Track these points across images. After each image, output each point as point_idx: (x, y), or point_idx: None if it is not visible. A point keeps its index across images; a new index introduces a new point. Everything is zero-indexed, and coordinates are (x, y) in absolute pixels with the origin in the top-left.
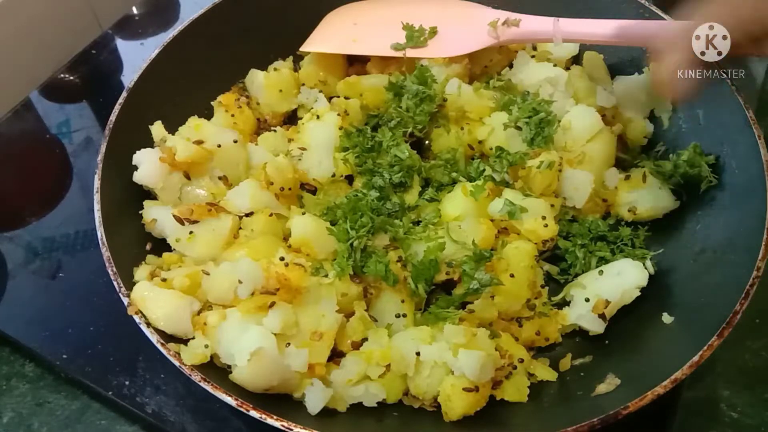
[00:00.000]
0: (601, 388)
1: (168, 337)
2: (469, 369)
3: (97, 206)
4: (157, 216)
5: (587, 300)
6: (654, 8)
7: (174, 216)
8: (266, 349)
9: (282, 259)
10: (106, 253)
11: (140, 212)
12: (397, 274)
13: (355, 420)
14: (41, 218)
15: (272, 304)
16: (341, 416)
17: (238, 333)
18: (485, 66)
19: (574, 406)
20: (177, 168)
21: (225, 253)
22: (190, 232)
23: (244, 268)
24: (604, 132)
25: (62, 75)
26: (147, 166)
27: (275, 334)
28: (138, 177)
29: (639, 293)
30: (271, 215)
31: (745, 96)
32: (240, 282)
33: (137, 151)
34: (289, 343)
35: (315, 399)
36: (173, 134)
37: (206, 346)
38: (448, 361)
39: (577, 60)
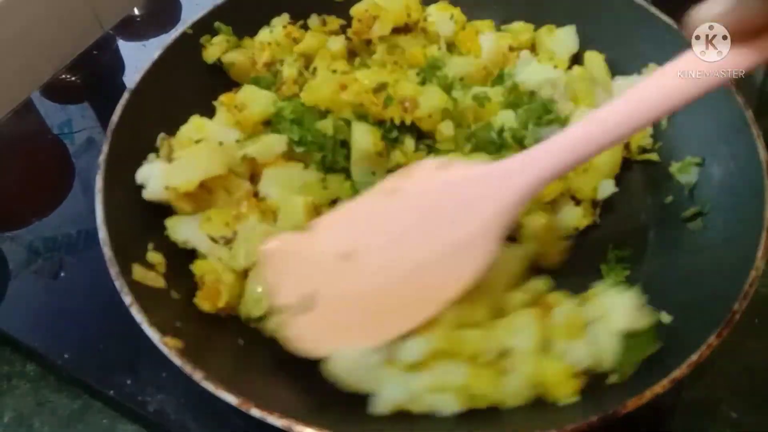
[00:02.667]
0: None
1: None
2: None
3: (98, 206)
4: (187, 234)
5: None
6: (653, 9)
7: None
8: None
9: None
10: (108, 253)
11: (165, 233)
12: None
13: (358, 418)
14: (43, 218)
15: None
16: (341, 415)
17: None
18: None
19: (573, 405)
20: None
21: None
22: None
23: None
24: None
25: (64, 75)
26: (155, 182)
27: None
28: (148, 195)
29: None
30: None
31: (744, 96)
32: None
33: (139, 169)
34: None
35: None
36: (174, 134)
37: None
38: None
39: (576, 59)
